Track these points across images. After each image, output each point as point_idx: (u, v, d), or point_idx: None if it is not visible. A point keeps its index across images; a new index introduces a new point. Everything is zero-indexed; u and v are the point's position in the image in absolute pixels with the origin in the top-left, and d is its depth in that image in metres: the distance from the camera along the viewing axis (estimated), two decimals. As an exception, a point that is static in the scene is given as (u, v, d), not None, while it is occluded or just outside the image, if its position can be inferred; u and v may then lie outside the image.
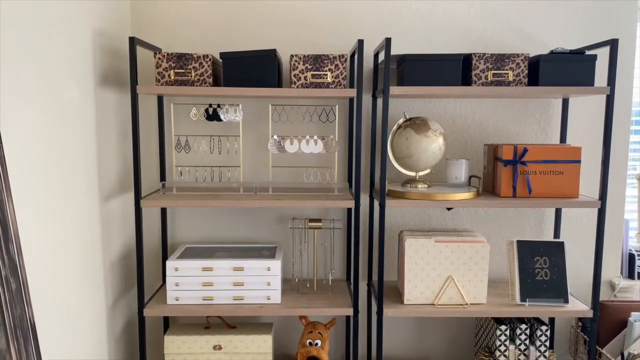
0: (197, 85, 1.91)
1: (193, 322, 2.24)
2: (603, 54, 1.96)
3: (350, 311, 1.97)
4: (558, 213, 2.27)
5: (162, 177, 2.21)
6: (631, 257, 2.41)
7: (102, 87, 1.93)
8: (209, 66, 1.91)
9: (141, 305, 1.96)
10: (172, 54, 1.90)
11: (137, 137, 1.89)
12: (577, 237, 2.33)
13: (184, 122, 2.21)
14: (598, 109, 2.26)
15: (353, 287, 1.99)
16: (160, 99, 2.19)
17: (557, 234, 2.28)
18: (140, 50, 1.98)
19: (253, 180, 2.25)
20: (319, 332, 2.04)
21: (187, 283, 1.99)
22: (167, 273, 1.99)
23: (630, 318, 2.06)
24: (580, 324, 2.25)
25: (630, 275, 2.40)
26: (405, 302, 2.01)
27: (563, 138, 2.22)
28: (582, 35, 2.22)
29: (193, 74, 1.91)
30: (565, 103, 2.21)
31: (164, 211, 2.26)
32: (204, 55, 1.90)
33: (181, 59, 1.91)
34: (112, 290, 2.04)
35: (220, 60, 1.93)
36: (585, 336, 2.16)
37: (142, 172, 2.24)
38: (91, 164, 1.84)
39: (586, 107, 2.27)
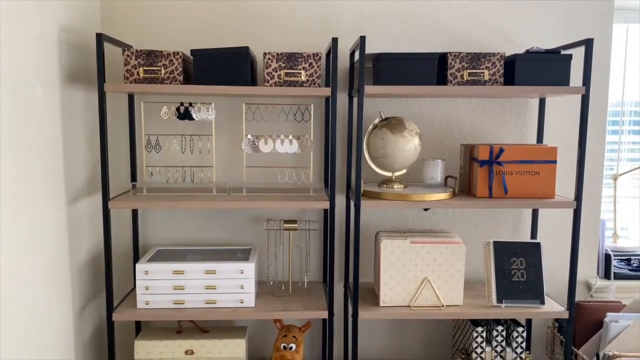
0: (167, 83, 1.86)
1: (165, 326, 2.18)
2: (579, 54, 1.95)
3: (325, 314, 1.93)
4: (535, 213, 2.26)
5: (133, 178, 2.15)
6: (607, 258, 2.41)
7: (69, 85, 1.87)
8: (179, 63, 1.86)
9: (110, 309, 1.90)
10: (141, 50, 1.85)
11: (104, 137, 1.83)
12: (554, 237, 2.33)
13: (154, 121, 2.16)
14: (574, 109, 2.26)
15: (328, 290, 1.95)
16: (130, 98, 2.13)
17: (534, 234, 2.27)
18: (109, 47, 1.92)
19: (226, 181, 2.20)
20: (293, 336, 2.00)
21: (158, 287, 1.93)
22: (137, 276, 1.93)
23: (605, 319, 2.05)
24: (557, 324, 2.24)
25: (607, 276, 2.41)
26: (381, 304, 1.98)
27: (540, 138, 2.21)
28: (559, 35, 2.21)
29: (163, 72, 1.86)
30: (542, 103, 2.20)
31: (134, 213, 2.20)
32: (174, 52, 1.85)
33: (150, 56, 1.85)
34: (80, 294, 1.98)
35: (191, 58, 1.88)
36: (562, 337, 2.15)
37: (112, 172, 2.18)
38: (57, 165, 1.78)
39: (563, 107, 2.26)
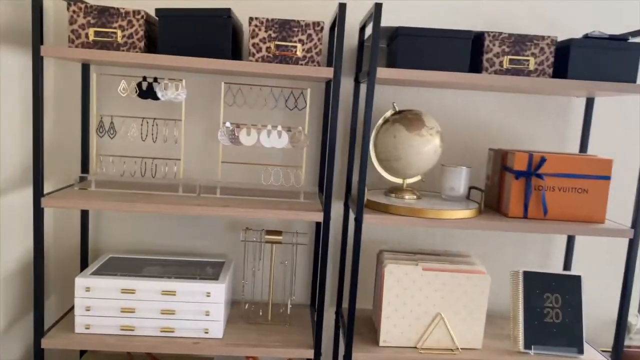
0: (124, 50, 1.45)
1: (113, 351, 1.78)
2: None
3: (310, 354, 1.54)
4: (571, 238, 1.87)
5: (84, 169, 1.74)
6: (649, 292, 2.02)
7: (1, 48, 1.46)
8: (140, 26, 1.44)
9: (39, 334, 1.50)
10: (91, 6, 1.43)
11: (39, 114, 1.41)
12: (588, 265, 1.93)
13: (112, 99, 1.74)
14: (624, 112, 1.86)
15: (317, 322, 1.55)
16: (85, 68, 1.71)
17: (567, 262, 1.88)
18: (53, 3, 1.50)
19: (197, 178, 1.79)
20: (269, 377, 1.61)
21: (102, 307, 1.53)
22: (76, 293, 1.53)
23: (654, 373, 1.68)
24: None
25: (647, 314, 2.03)
26: (381, 343, 1.58)
27: (584, 146, 1.82)
28: (615, 22, 1.81)
29: (119, 35, 1.44)
30: (589, 103, 1.80)
31: (85, 211, 1.79)
32: (134, 11, 1.44)
33: (104, 14, 1.44)
34: (6, 312, 1.58)
35: (157, 19, 1.47)
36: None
37: (63, 161, 1.78)
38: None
39: (610, 108, 1.86)
